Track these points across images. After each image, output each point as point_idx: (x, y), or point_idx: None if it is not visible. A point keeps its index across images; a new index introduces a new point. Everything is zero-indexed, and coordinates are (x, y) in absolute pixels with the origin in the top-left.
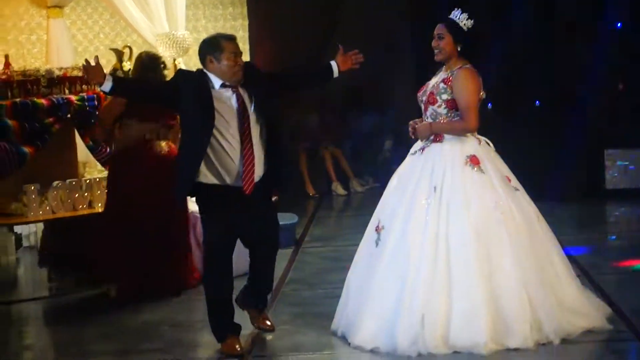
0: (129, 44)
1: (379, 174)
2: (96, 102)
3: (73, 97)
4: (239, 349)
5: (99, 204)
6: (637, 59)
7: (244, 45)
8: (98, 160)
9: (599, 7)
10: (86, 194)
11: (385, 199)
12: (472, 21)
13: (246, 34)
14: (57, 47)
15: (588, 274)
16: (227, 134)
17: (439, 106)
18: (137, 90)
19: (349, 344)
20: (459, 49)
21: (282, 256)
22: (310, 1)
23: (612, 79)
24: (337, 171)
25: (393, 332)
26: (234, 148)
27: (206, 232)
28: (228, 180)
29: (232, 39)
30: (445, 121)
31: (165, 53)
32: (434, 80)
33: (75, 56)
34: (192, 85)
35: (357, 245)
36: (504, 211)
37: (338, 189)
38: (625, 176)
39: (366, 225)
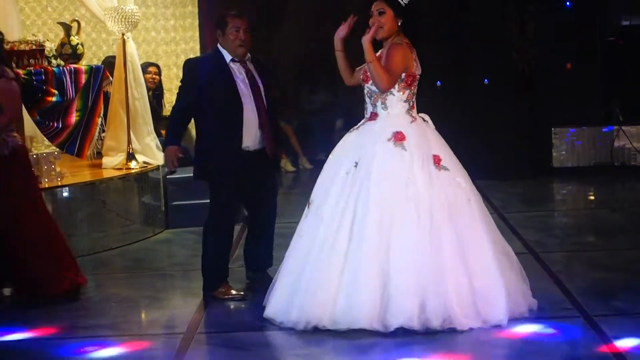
0: (77, 18)
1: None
2: (43, 77)
3: (20, 71)
4: (234, 292)
5: (46, 180)
6: (585, 38)
7: (194, 21)
8: (45, 135)
9: None
10: (33, 169)
11: (319, 176)
12: None
13: (195, 9)
14: (5, 21)
15: (534, 252)
16: (246, 103)
17: (372, 84)
18: (184, 125)
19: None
20: (399, 24)
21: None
22: None
23: (561, 57)
24: (286, 148)
25: (290, 304)
26: (252, 117)
27: (216, 193)
28: (250, 146)
29: (237, 15)
30: (378, 89)
31: (113, 28)
32: None
33: (23, 30)
34: (205, 68)
35: None
36: (414, 190)
37: (287, 165)
38: (572, 154)
39: None
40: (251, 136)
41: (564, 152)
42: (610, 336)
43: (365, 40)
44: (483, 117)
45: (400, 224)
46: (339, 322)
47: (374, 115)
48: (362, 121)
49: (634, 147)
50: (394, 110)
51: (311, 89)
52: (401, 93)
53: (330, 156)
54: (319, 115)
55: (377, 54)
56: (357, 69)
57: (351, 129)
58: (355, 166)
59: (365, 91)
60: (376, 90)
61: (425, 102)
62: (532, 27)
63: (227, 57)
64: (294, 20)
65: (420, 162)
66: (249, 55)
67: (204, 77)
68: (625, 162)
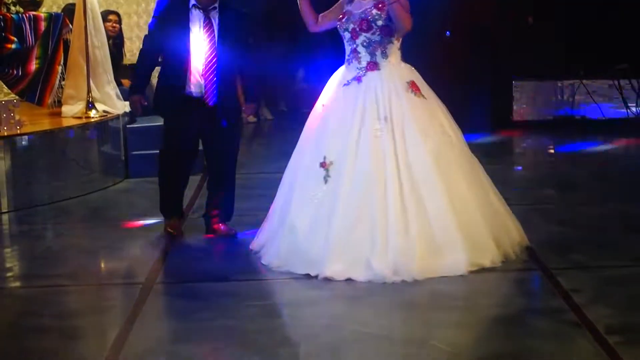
0: None
1: (293, 102)
2: (2, 24)
3: None
4: (178, 231)
5: (5, 128)
6: None
7: None
8: (5, 82)
9: None
10: None
11: (323, 133)
12: None
13: None
14: None
15: None
16: (195, 50)
17: (373, 33)
18: (150, 70)
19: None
20: None
21: (191, 182)
22: None
23: (521, 10)
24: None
25: (370, 263)
26: (198, 65)
27: (164, 131)
28: (189, 89)
29: None
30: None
31: None
32: (356, 8)
33: None
34: (170, 8)
35: (266, 173)
36: (450, 135)
37: (248, 116)
38: (533, 108)
39: (276, 153)
40: (195, 83)
41: (524, 106)
42: (567, 289)
43: None
44: (444, 70)
45: (454, 171)
46: (437, 271)
47: (373, 65)
48: (353, 72)
49: (594, 101)
50: (393, 58)
51: (270, 38)
52: (397, 41)
53: (328, 111)
54: (279, 65)
55: (357, 2)
56: (321, 14)
57: (344, 81)
58: (386, 121)
59: (360, 41)
60: (376, 39)
61: None
62: None
63: (192, 1)
64: None
65: (439, 109)
66: (216, 3)
67: (163, 19)
68: (585, 116)
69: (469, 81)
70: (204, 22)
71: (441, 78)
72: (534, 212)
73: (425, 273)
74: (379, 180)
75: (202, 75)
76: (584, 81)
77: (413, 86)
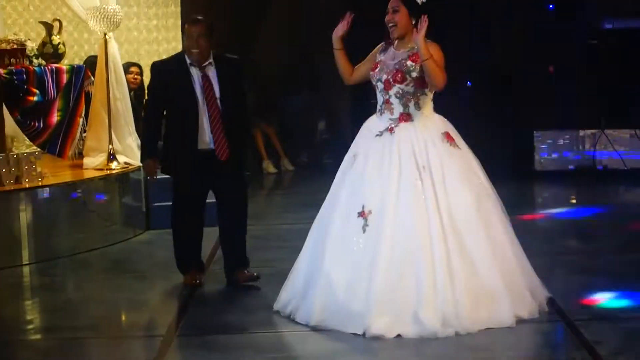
0: (58, 18)
1: (314, 154)
2: (25, 76)
3: (1, 71)
4: (197, 280)
5: (27, 180)
6: (567, 41)
7: (176, 21)
8: (26, 135)
9: None
10: (13, 169)
11: (359, 182)
12: None
13: (178, 9)
14: None
15: None
16: (201, 107)
17: (407, 84)
18: (158, 131)
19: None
20: (413, 23)
21: (212, 233)
22: None
23: (543, 61)
24: (268, 149)
25: (419, 316)
26: (204, 120)
27: (175, 189)
28: (201, 146)
29: (192, 21)
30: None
31: (95, 27)
32: (390, 58)
33: (4, 29)
34: (168, 70)
35: (287, 224)
36: (486, 186)
37: (269, 167)
38: (554, 158)
39: (297, 204)
40: (204, 138)
41: (545, 156)
42: (590, 341)
43: (420, 37)
44: (466, 120)
45: (493, 221)
46: (483, 322)
47: (406, 116)
48: (385, 123)
49: (615, 150)
50: (426, 110)
51: (293, 91)
52: (431, 92)
53: (360, 161)
54: (300, 116)
55: (391, 52)
56: (356, 66)
57: (376, 131)
58: (425, 170)
59: (394, 92)
60: (410, 90)
61: None
62: (515, 30)
63: (188, 60)
64: (277, 22)
65: (474, 160)
66: (211, 59)
67: (165, 79)
68: (607, 166)
69: (490, 131)
70: (202, 79)
71: (463, 128)
72: (556, 262)
73: (475, 325)
74: (422, 230)
75: (210, 130)
76: (605, 131)
77: (448, 137)
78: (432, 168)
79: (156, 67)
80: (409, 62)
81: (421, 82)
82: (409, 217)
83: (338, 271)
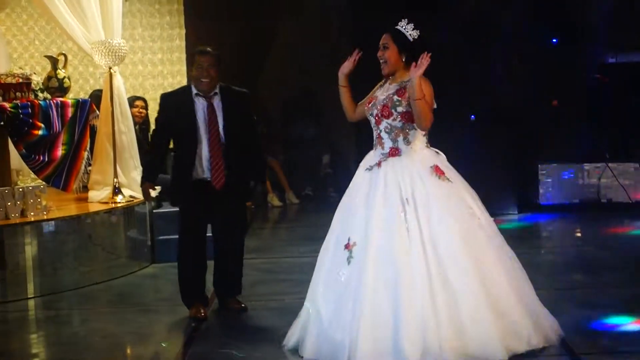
0: (64, 52)
1: (319, 187)
2: (30, 110)
3: (7, 105)
4: (202, 314)
5: (32, 213)
6: (570, 75)
7: (181, 54)
8: (31, 168)
9: (535, 23)
10: (18, 203)
11: (346, 216)
12: (418, 32)
13: (183, 43)
14: None
15: None
16: (203, 137)
17: (394, 119)
18: (161, 161)
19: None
20: (403, 60)
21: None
22: (247, 12)
23: (546, 94)
24: (273, 182)
25: (399, 345)
26: (206, 150)
27: (179, 219)
28: (197, 175)
29: (202, 52)
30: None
31: (100, 61)
32: (382, 93)
33: (10, 63)
34: (174, 100)
35: (292, 257)
36: (479, 218)
37: (274, 200)
38: (559, 191)
39: (302, 238)
40: (204, 168)
41: (550, 189)
42: None
43: (417, 76)
44: (469, 154)
45: (484, 252)
46: (471, 355)
47: (395, 151)
48: (377, 157)
49: (620, 183)
50: (415, 144)
51: (298, 124)
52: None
53: (351, 195)
54: (305, 150)
55: (384, 88)
56: (359, 103)
57: (367, 166)
58: (408, 203)
59: (383, 127)
60: (397, 125)
61: None
62: (517, 64)
63: (194, 91)
64: (282, 55)
65: (467, 192)
66: (217, 89)
67: (170, 111)
68: (611, 199)
69: (494, 165)
70: (207, 109)
71: (466, 162)
72: (561, 296)
73: (458, 356)
74: (404, 261)
75: (209, 159)
76: (610, 164)
77: (437, 170)
78: (417, 201)
79: (164, 98)
80: (395, 97)
81: (408, 117)
82: (391, 249)
83: (325, 302)
